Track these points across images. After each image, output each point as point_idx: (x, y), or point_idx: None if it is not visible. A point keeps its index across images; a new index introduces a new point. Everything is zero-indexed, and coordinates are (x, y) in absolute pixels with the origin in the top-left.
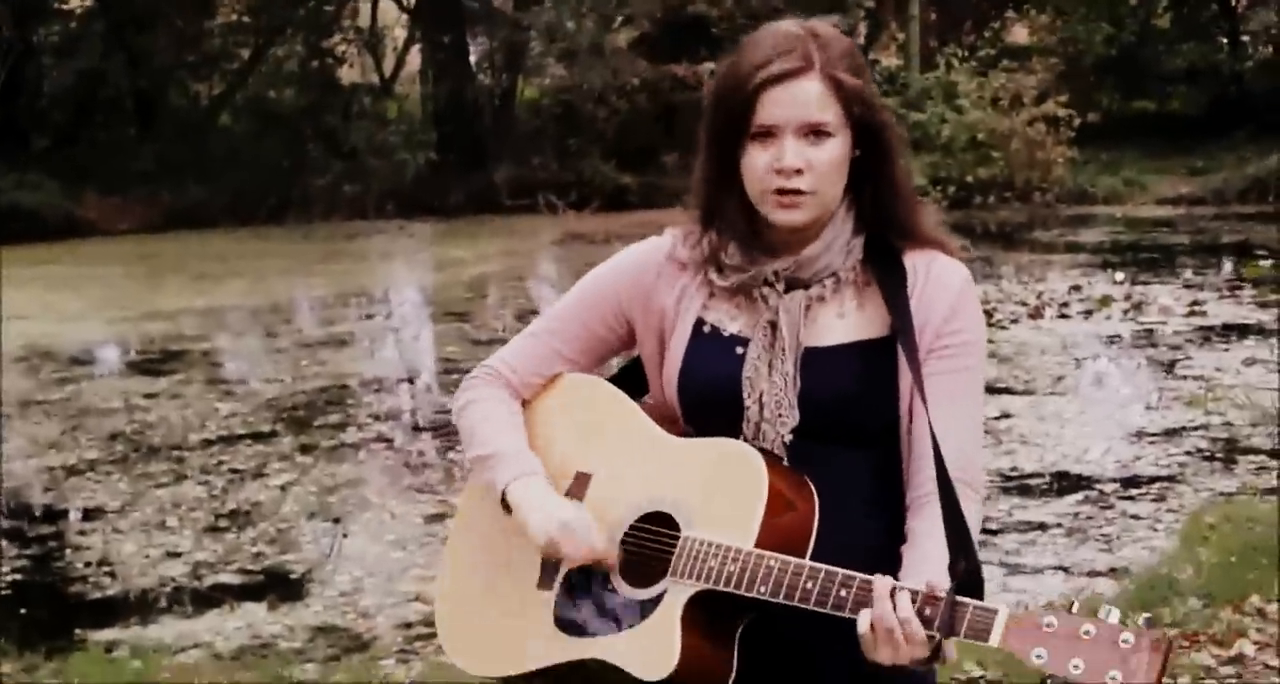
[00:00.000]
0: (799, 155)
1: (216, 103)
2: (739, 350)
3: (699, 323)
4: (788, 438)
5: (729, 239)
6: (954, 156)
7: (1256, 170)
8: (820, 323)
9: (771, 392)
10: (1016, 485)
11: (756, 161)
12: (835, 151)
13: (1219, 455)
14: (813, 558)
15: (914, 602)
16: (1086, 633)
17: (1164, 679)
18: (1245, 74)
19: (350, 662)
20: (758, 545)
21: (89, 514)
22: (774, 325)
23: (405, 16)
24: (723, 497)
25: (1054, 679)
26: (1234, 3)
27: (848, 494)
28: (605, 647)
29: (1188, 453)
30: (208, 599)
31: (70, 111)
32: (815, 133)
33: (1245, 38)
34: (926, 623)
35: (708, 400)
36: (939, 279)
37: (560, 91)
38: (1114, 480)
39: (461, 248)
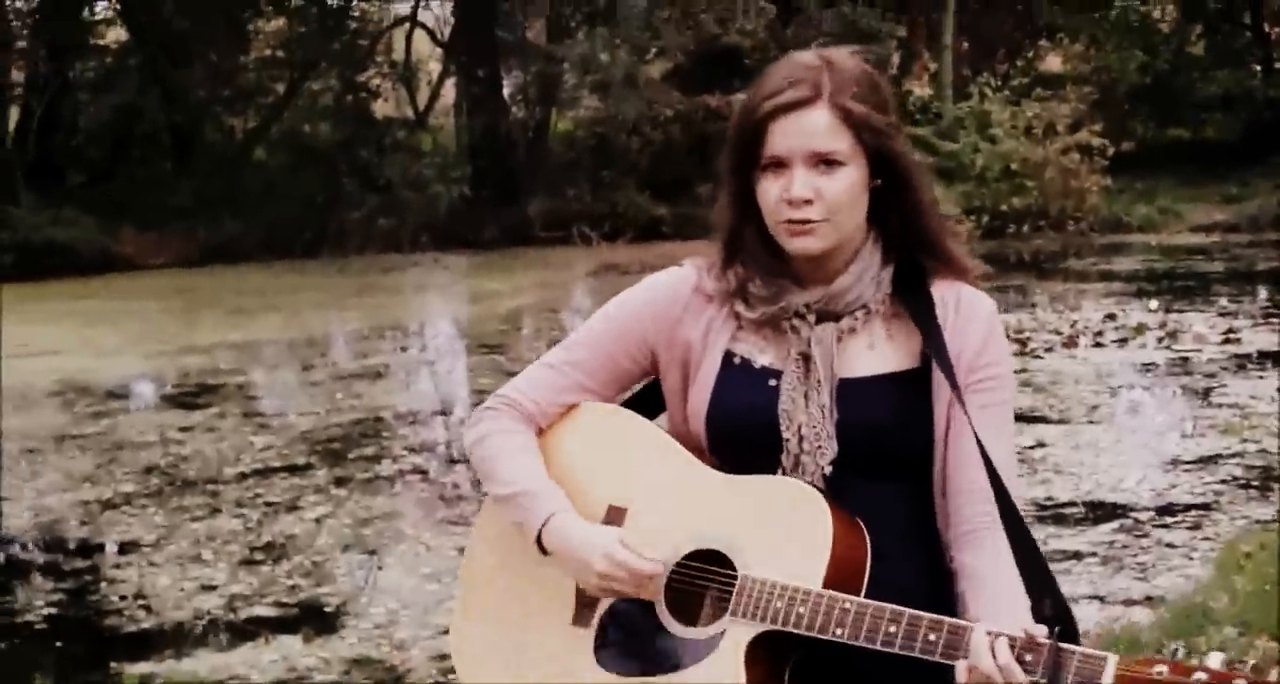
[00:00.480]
0: (807, 186)
1: (251, 137)
2: (772, 383)
3: (728, 355)
4: (827, 470)
5: (754, 271)
6: (988, 186)
7: None
8: (851, 354)
9: (810, 423)
10: (1051, 514)
11: (769, 192)
12: (847, 181)
13: (1254, 483)
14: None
15: (1013, 648)
16: (1199, 680)
17: None
18: (1279, 101)
19: None
20: (824, 586)
21: (124, 548)
22: (806, 357)
23: (439, 50)
24: (785, 536)
25: None
26: (1268, 29)
27: (884, 527)
28: None
29: (1223, 481)
30: (243, 632)
31: (106, 147)
32: (825, 162)
33: (1279, 65)
34: (1028, 670)
35: (741, 433)
36: (968, 311)
37: (594, 123)
38: (1149, 509)
39: (496, 280)
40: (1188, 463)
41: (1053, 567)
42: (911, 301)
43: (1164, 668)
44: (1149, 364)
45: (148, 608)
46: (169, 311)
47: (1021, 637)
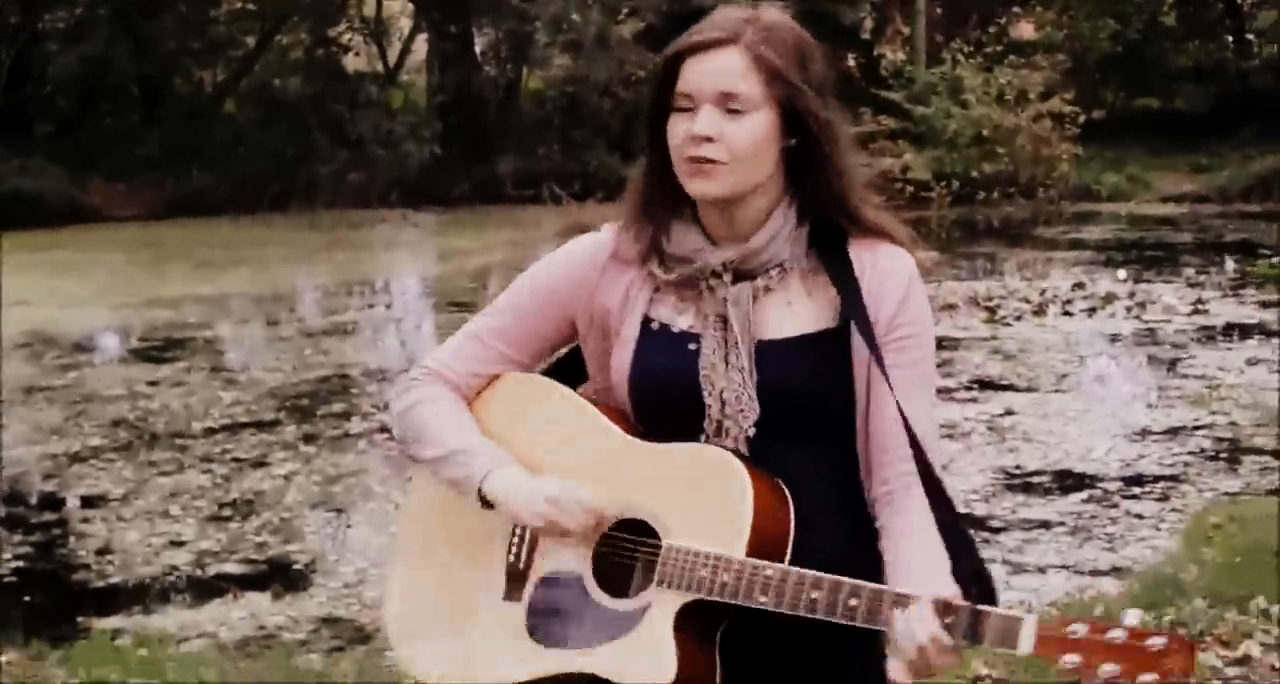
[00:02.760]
0: (712, 125)
1: (221, 90)
2: (691, 346)
3: (647, 320)
4: (750, 432)
5: (668, 227)
6: (959, 152)
7: (1260, 169)
8: (769, 314)
9: (730, 387)
10: (1020, 483)
11: (676, 130)
12: (752, 128)
13: (1223, 455)
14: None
15: (935, 612)
16: (1114, 638)
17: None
18: (1250, 72)
19: (354, 653)
20: (747, 554)
21: (92, 502)
22: (724, 319)
23: (410, 5)
24: (706, 504)
25: None
26: (1239, 1)
27: (808, 490)
28: (592, 659)
29: (1191, 452)
30: (211, 589)
31: (75, 98)
32: (731, 108)
33: (1251, 36)
34: (949, 632)
35: (664, 399)
36: (886, 270)
37: (565, 83)
38: (1117, 479)
39: (465, 238)
40: (1156, 433)
41: (1020, 536)
42: (829, 259)
43: (1081, 627)
44: (1117, 334)
45: (115, 563)
46: (136, 263)
47: (939, 600)
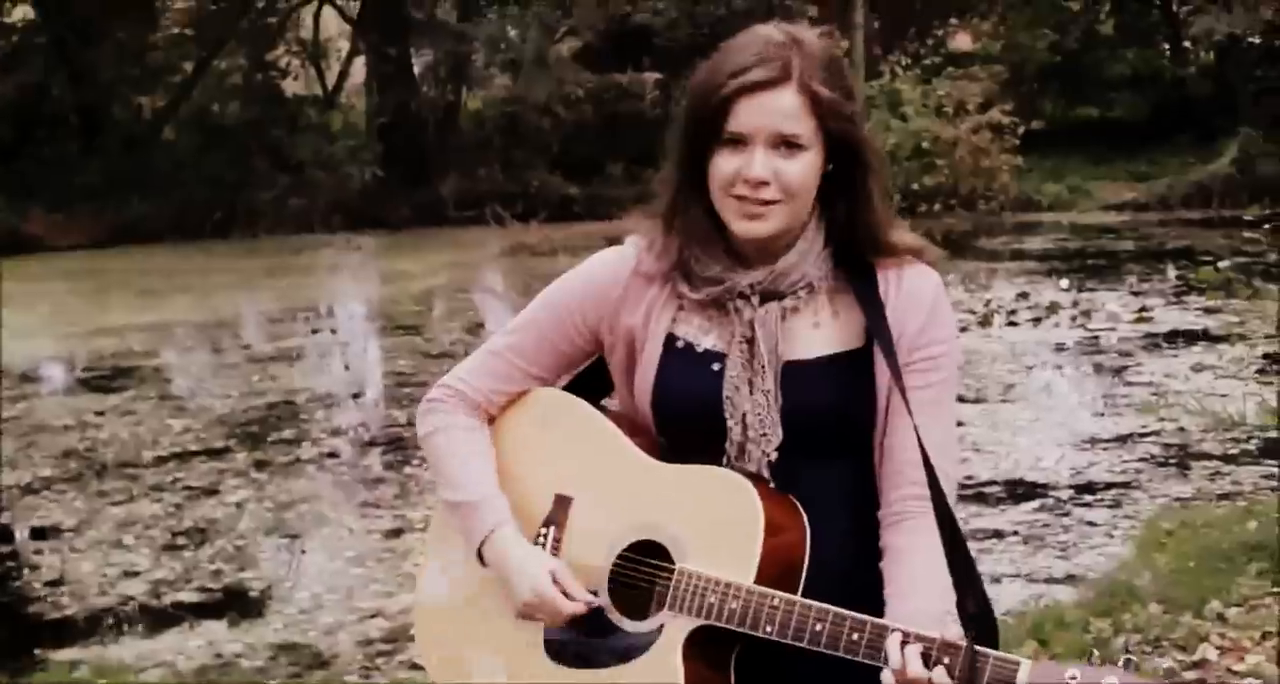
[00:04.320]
0: (766, 167)
1: (160, 117)
2: (715, 367)
3: (670, 338)
4: (773, 456)
5: (697, 248)
6: (899, 165)
7: (1200, 176)
8: (797, 334)
9: (754, 411)
10: (972, 494)
11: (724, 166)
12: (805, 165)
13: (1173, 461)
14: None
15: (930, 651)
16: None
17: None
18: (1187, 80)
19: (312, 678)
20: (757, 581)
21: (45, 533)
22: (750, 341)
23: (348, 28)
24: (718, 529)
25: None
26: (1176, 9)
27: (833, 509)
28: (604, 680)
29: (1141, 459)
30: (168, 618)
31: (12, 127)
32: (787, 145)
33: (1187, 44)
34: (946, 672)
35: (686, 418)
36: (910, 290)
37: (505, 103)
38: (1069, 487)
39: (408, 260)
40: (1106, 441)
41: (975, 546)
42: (855, 278)
43: (1076, 672)
44: (1063, 343)
45: (71, 594)
46: (78, 293)
47: (939, 640)
